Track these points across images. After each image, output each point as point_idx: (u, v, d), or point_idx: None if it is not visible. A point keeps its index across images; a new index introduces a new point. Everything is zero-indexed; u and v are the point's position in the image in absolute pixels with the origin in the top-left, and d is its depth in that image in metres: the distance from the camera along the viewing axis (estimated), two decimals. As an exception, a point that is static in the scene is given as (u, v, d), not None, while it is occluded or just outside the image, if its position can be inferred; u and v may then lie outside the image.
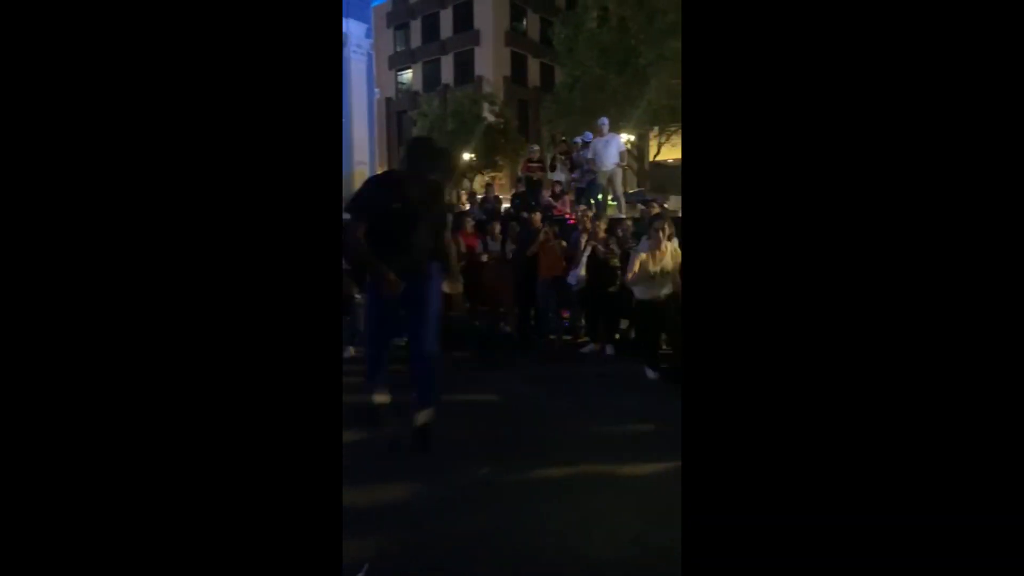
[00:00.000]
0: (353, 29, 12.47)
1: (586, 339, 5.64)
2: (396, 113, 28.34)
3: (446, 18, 27.95)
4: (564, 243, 5.65)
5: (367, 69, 13.00)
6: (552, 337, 5.68)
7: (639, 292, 4.44)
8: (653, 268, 4.27)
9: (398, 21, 29.26)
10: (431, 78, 28.19)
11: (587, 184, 7.94)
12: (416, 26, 28.98)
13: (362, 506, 2.46)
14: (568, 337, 5.80)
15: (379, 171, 16.46)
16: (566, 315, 5.86)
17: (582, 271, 5.25)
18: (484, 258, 5.84)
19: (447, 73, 27.81)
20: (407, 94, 28.70)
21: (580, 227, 5.74)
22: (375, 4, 13.28)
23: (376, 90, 14.16)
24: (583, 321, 5.86)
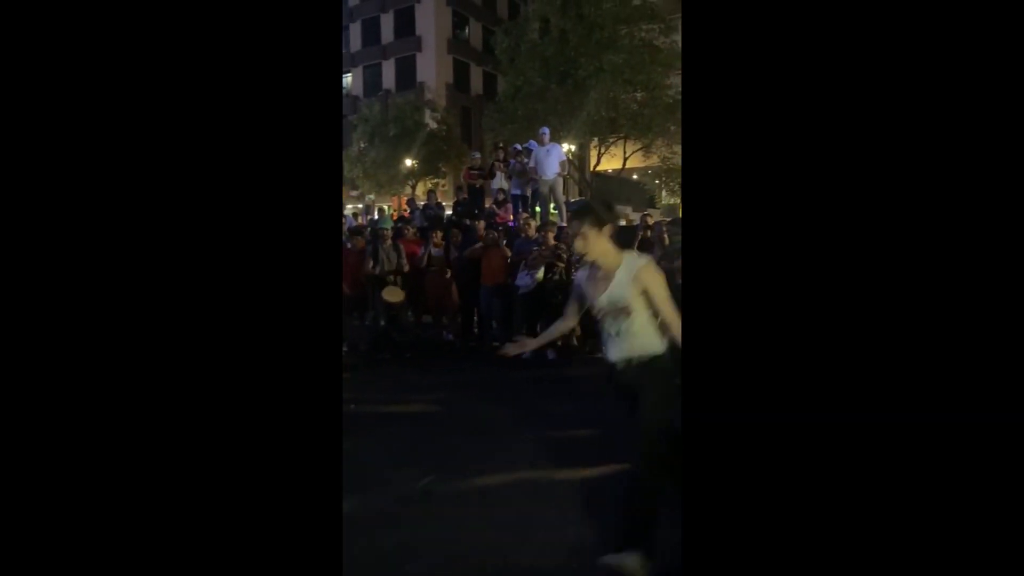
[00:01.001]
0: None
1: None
2: (335, 117, 27.70)
3: (387, 23, 27.65)
4: (506, 250, 5.69)
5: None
6: (495, 344, 5.69)
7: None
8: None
9: (337, 24, 28.67)
10: (372, 83, 27.77)
11: (531, 192, 8.03)
12: (356, 29, 28.52)
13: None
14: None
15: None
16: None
17: (539, 275, 5.29)
18: (427, 266, 5.79)
19: (388, 79, 27.48)
20: (347, 99, 28.15)
21: (523, 234, 5.80)
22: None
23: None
24: (525, 328, 5.90)
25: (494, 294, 5.57)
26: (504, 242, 5.78)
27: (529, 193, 8.06)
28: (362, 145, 20.44)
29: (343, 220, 6.95)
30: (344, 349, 5.38)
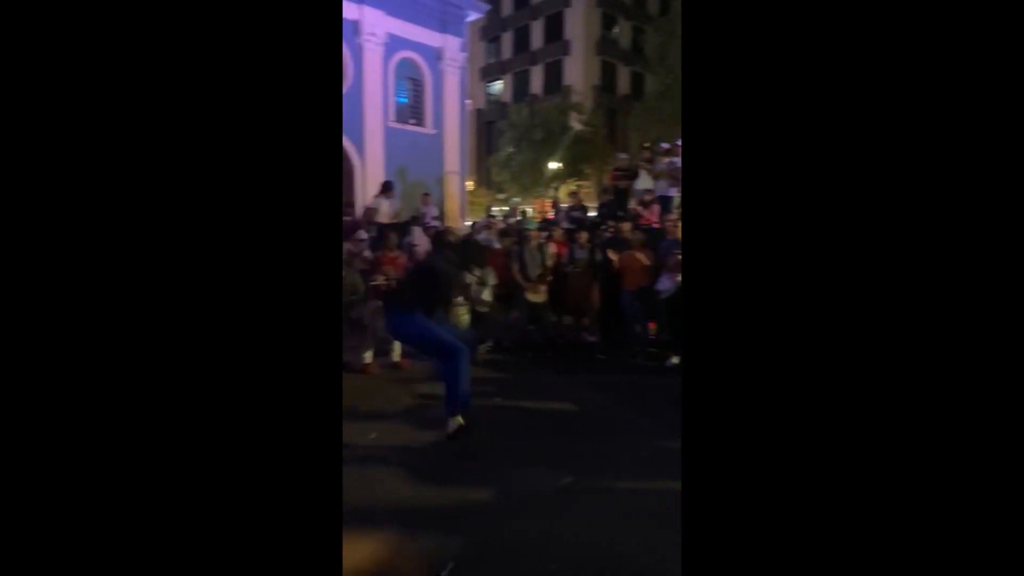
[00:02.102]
0: (448, 44, 12.95)
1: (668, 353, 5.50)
2: (485, 123, 29.04)
3: (537, 29, 28.32)
4: (649, 254, 5.55)
5: (460, 82, 13.45)
6: (637, 348, 5.58)
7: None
8: None
9: (491, 34, 30.02)
10: (520, 89, 28.63)
11: (673, 193, 7.73)
12: (508, 38, 29.59)
13: (433, 507, 2.56)
14: (653, 350, 5.68)
15: (470, 180, 16.91)
16: (652, 326, 5.73)
17: (679, 278, 5.13)
18: (571, 267, 5.86)
19: (536, 83, 28.13)
20: (497, 105, 29.30)
21: (668, 236, 5.62)
22: (469, 19, 13.73)
23: (467, 101, 14.60)
24: (667, 333, 5.71)
25: (636, 297, 5.47)
26: (646, 243, 5.65)
27: (677, 194, 7.77)
28: (510, 150, 21.16)
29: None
30: (489, 345, 5.64)
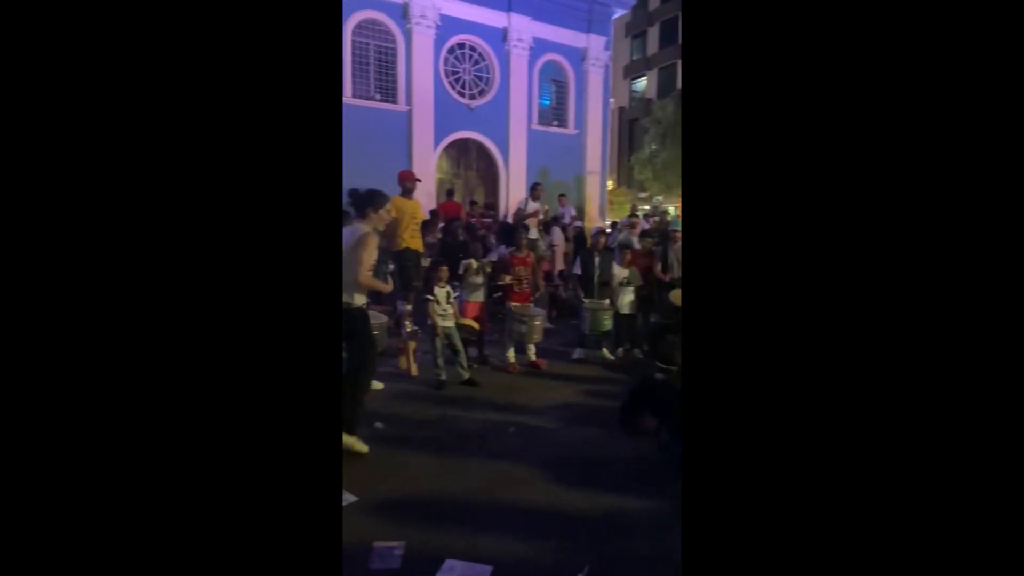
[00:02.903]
0: (592, 43, 12.91)
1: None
2: (628, 122, 28.48)
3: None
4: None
5: (604, 80, 13.33)
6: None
7: None
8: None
9: (636, 30, 29.35)
10: (666, 84, 27.63)
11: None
12: (654, 32, 28.71)
13: (572, 508, 2.56)
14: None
15: (610, 179, 16.70)
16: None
17: None
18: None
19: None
20: (640, 102, 28.59)
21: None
22: (616, 16, 13.54)
23: (610, 100, 14.44)
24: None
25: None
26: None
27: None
28: (653, 147, 20.54)
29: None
30: (627, 347, 5.54)
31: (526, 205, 8.35)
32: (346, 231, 3.08)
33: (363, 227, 3.10)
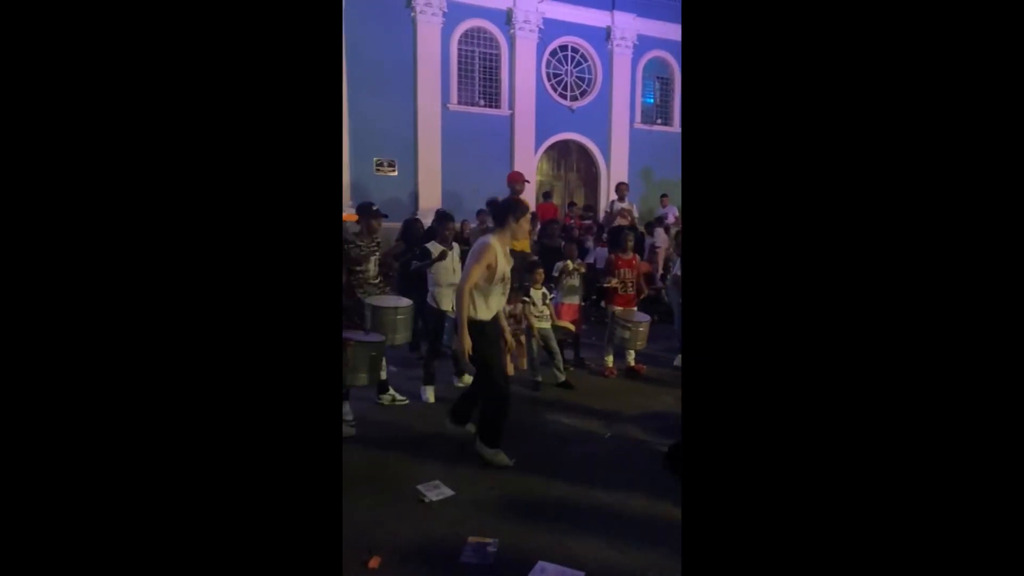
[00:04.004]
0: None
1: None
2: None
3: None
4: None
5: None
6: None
7: None
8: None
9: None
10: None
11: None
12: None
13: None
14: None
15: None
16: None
17: None
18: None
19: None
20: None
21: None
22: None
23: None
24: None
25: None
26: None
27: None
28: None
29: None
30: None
31: (611, 207, 8.17)
32: (477, 241, 3.09)
33: (490, 239, 3.05)
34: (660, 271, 7.73)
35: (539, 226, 7.38)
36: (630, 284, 4.92)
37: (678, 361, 5.16)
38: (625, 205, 7.95)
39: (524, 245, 5.96)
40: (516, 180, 5.99)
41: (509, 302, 5.14)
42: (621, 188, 8.16)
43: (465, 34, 10.71)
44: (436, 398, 4.14)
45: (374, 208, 3.92)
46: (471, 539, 2.31)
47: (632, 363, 4.93)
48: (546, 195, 10.02)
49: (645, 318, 4.87)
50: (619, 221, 7.42)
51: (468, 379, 4.47)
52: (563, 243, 5.82)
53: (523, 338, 4.82)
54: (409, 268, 4.62)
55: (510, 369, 4.76)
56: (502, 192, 6.03)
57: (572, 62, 11.73)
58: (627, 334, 4.67)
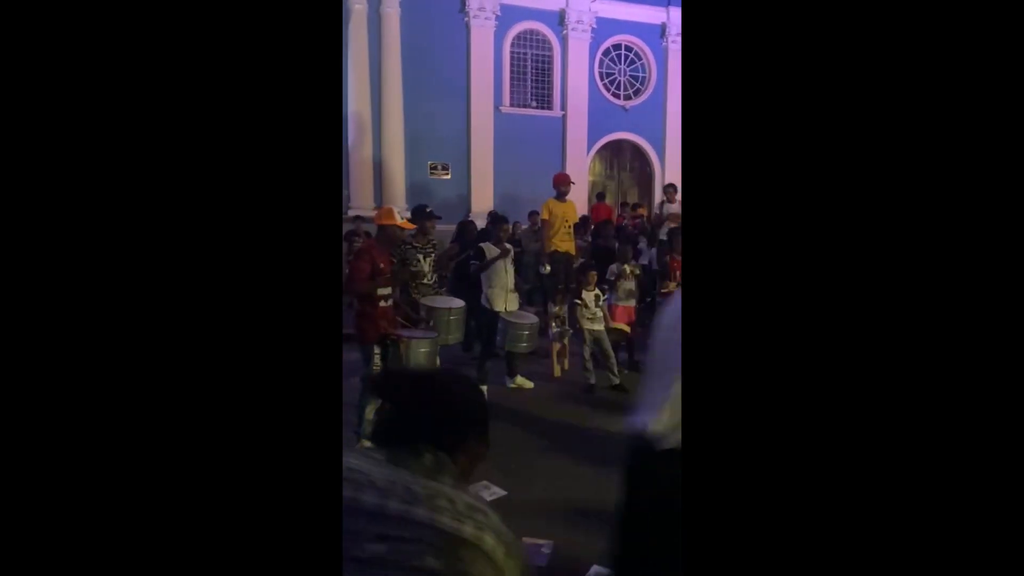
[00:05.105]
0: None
1: None
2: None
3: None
4: None
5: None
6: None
7: None
8: None
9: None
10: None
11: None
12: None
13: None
14: None
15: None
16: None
17: None
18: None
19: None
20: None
21: None
22: None
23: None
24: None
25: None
26: None
27: None
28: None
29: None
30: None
31: (661, 209, 7.96)
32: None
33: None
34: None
35: (592, 227, 7.30)
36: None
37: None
38: (674, 208, 7.75)
39: (569, 247, 5.94)
40: (562, 182, 5.96)
41: (555, 304, 5.13)
42: (669, 191, 7.96)
43: (518, 36, 10.76)
44: (489, 399, 4.17)
45: (428, 210, 3.99)
46: (525, 539, 2.31)
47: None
48: (600, 196, 9.91)
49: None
50: (669, 224, 7.24)
51: (520, 380, 4.48)
52: (617, 245, 5.75)
53: (567, 341, 4.79)
54: (463, 269, 4.67)
55: (556, 370, 4.75)
56: (552, 193, 6.00)
57: (626, 61, 11.58)
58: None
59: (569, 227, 5.91)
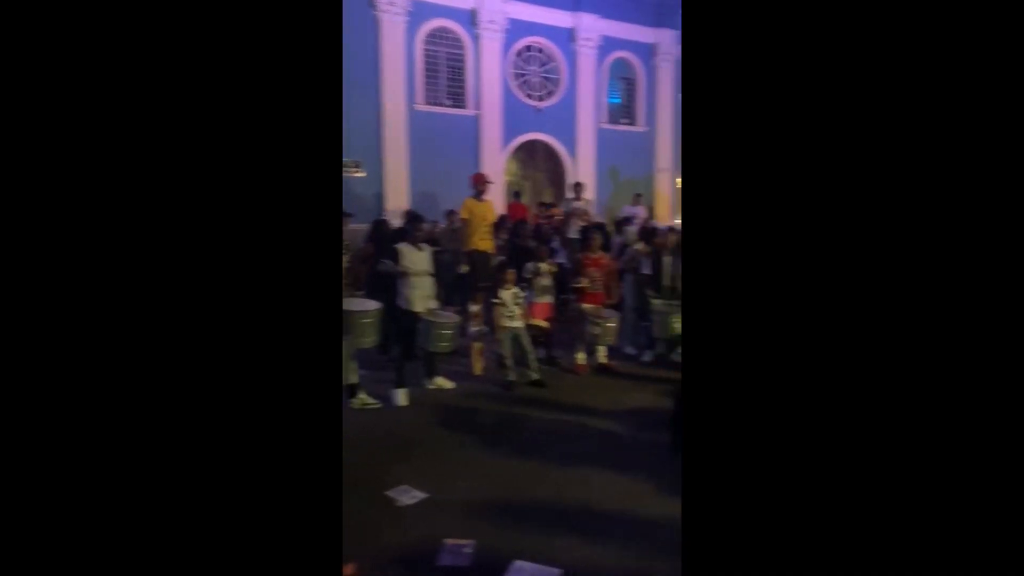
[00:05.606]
0: (663, 38, 12.59)
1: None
2: (701, 116, 27.56)
3: (763, 8, 25.87)
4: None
5: (674, 76, 12.98)
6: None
7: None
8: None
9: (709, 21, 28.35)
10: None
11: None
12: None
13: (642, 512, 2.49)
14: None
15: (678, 178, 16.25)
16: None
17: None
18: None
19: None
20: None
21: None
22: (687, 9, 13.12)
23: (681, 95, 14.03)
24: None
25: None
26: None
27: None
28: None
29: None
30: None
31: (568, 206, 8.21)
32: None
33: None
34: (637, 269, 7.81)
35: (510, 226, 7.37)
36: (599, 283, 4.97)
37: (647, 357, 5.23)
38: (580, 204, 7.99)
39: (488, 246, 5.97)
40: (479, 181, 5.98)
41: (472, 302, 5.13)
42: (578, 187, 8.22)
43: (430, 34, 10.64)
44: (409, 401, 4.10)
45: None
46: (448, 541, 2.29)
47: (604, 360, 4.97)
48: (516, 195, 10.02)
49: (614, 314, 4.93)
50: (574, 220, 7.47)
51: (440, 381, 4.44)
52: (534, 243, 5.84)
53: (484, 340, 4.82)
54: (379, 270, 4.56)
55: (477, 368, 4.76)
56: (468, 192, 6.01)
57: (538, 62, 11.78)
58: (597, 330, 4.74)
59: (488, 226, 5.93)
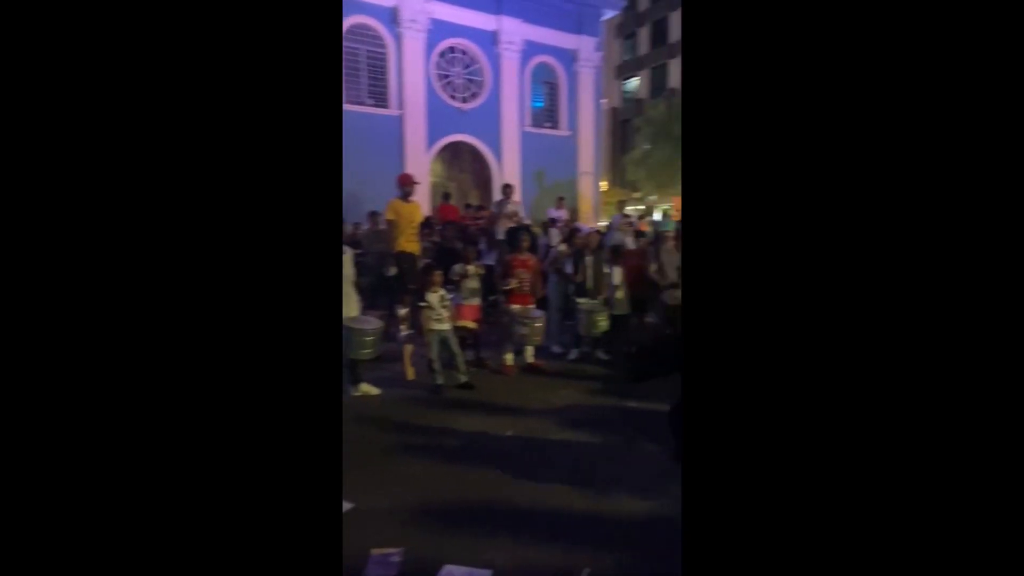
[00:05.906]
0: (583, 44, 12.93)
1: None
2: (621, 122, 28.55)
3: (675, 21, 27.23)
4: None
5: (595, 81, 13.36)
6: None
7: None
8: None
9: (628, 31, 29.45)
10: (658, 84, 27.73)
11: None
12: (644, 33, 28.82)
13: (573, 510, 2.54)
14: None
15: (603, 180, 16.69)
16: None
17: None
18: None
19: (675, 77, 27.04)
20: (632, 102, 28.70)
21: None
22: (605, 17, 13.57)
23: (602, 100, 14.46)
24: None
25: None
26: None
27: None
28: (645, 147, 20.58)
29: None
30: (626, 348, 5.52)
31: (498, 207, 8.29)
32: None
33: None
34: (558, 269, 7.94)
35: (439, 227, 7.29)
36: (526, 283, 5.02)
37: (573, 355, 5.34)
38: (510, 206, 8.06)
39: (415, 247, 5.88)
40: (406, 182, 5.88)
41: (399, 305, 5.04)
42: (507, 189, 8.28)
43: (350, 30, 10.36)
44: (332, 409, 3.94)
45: None
46: (374, 551, 2.23)
47: (532, 360, 5.02)
48: (446, 196, 9.93)
49: (540, 314, 5.00)
50: (504, 222, 7.53)
51: (365, 387, 4.31)
52: (461, 245, 5.81)
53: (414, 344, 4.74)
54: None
55: (410, 373, 4.68)
56: (392, 193, 5.89)
57: (461, 64, 11.76)
58: (525, 330, 4.79)
59: (415, 228, 5.84)
